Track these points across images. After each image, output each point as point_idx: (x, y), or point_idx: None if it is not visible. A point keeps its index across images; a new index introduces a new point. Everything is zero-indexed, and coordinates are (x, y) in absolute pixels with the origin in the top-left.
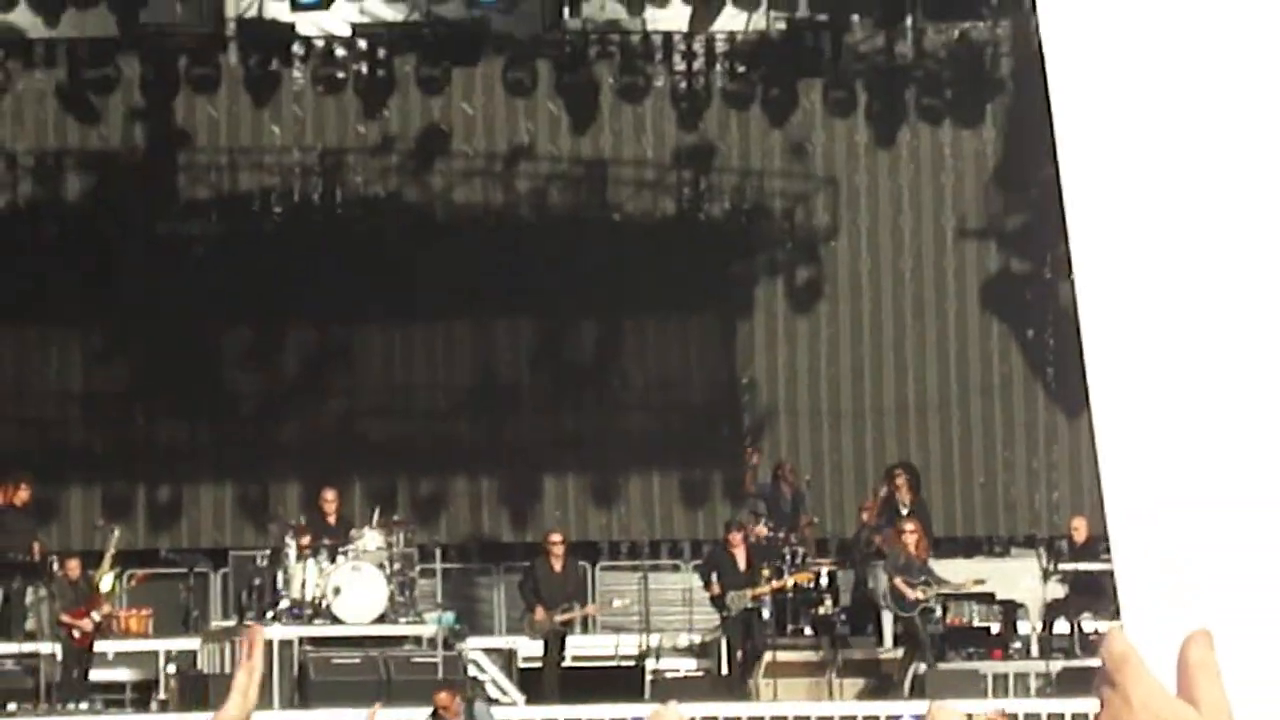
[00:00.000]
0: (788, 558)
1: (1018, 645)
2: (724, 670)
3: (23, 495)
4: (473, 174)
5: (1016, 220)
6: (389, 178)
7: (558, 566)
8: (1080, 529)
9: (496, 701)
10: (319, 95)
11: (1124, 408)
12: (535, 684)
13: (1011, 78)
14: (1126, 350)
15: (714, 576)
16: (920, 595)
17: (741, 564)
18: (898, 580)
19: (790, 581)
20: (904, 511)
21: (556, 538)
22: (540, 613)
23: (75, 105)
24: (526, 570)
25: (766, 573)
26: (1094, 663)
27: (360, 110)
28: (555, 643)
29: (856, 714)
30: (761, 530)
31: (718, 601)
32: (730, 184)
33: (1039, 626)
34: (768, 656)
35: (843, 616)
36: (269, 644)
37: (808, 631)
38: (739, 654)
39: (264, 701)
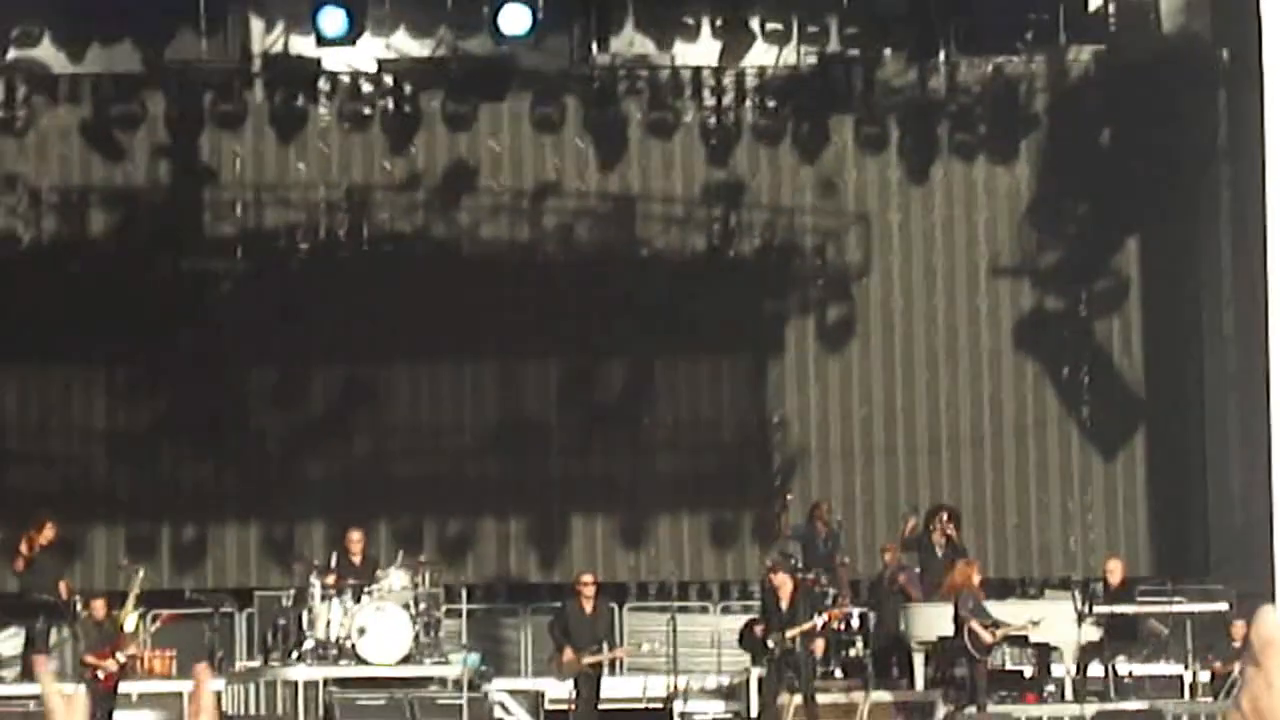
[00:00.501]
0: (821, 599)
1: (1051, 688)
2: (752, 713)
3: (48, 535)
4: (500, 210)
5: (1051, 258)
6: (415, 214)
7: (588, 608)
8: (1115, 571)
9: None
10: (345, 131)
11: None
12: None
13: (1046, 113)
14: None
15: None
16: (993, 638)
17: (785, 604)
18: (973, 623)
19: (819, 622)
20: (938, 553)
21: (587, 578)
22: (569, 654)
23: (100, 141)
24: (557, 611)
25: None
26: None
27: (387, 146)
28: (587, 685)
29: None
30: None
31: (758, 644)
32: (761, 221)
33: (1073, 670)
34: (796, 699)
35: (874, 658)
36: (294, 685)
37: (838, 674)
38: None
39: None
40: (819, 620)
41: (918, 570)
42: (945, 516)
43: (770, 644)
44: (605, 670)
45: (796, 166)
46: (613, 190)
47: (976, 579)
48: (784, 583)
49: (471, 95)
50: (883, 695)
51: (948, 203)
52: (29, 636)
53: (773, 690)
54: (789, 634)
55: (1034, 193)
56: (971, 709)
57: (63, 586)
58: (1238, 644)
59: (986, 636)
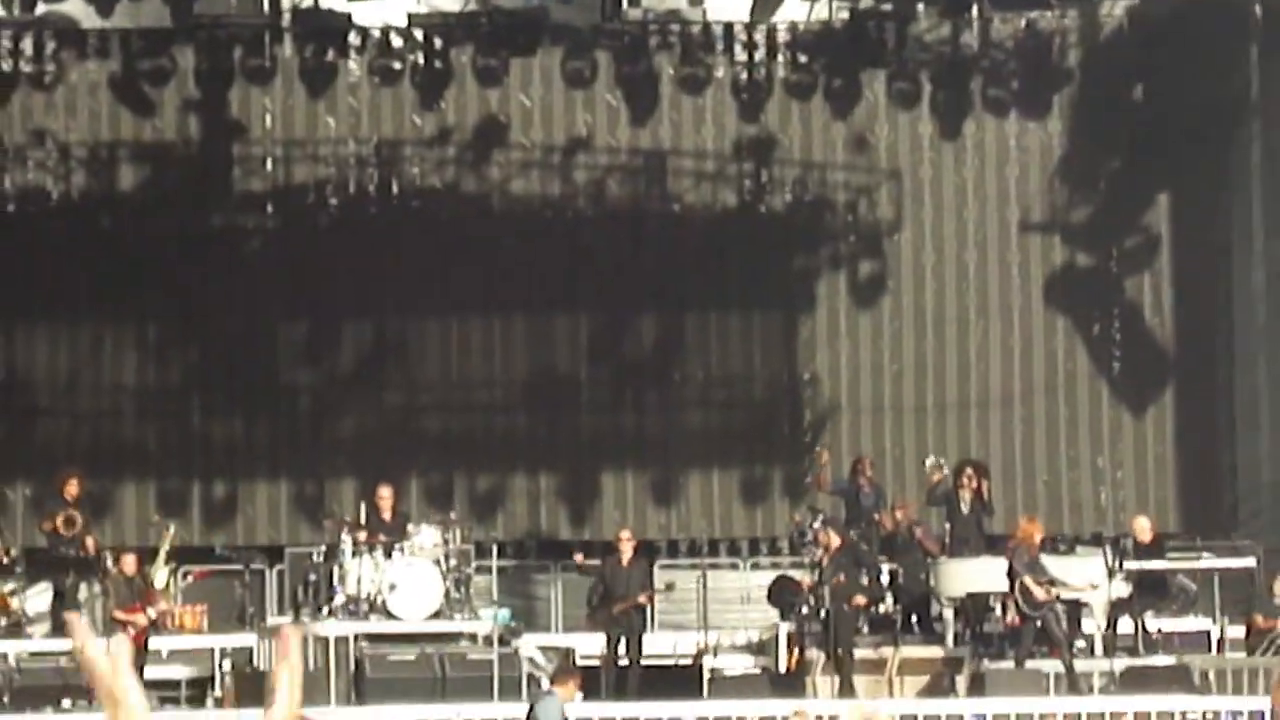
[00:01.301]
0: (867, 556)
1: (1081, 644)
2: (781, 668)
3: (72, 490)
4: (530, 166)
5: (1082, 213)
6: (446, 170)
7: (625, 563)
8: (1144, 529)
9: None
10: (375, 86)
11: None
12: (594, 682)
13: (1078, 68)
14: None
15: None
16: (1046, 595)
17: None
18: (1027, 579)
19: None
20: (964, 509)
21: (625, 534)
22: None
23: (129, 96)
24: (598, 570)
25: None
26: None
27: (417, 102)
28: (621, 637)
29: (917, 713)
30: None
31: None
32: (792, 176)
33: (1103, 625)
34: (822, 655)
35: (904, 614)
36: (325, 640)
37: (866, 630)
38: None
39: (320, 698)
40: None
41: (946, 525)
42: (972, 471)
43: (812, 599)
44: (646, 626)
45: (828, 122)
46: (644, 145)
47: (1038, 537)
48: (830, 540)
49: (502, 50)
50: (911, 651)
51: (979, 159)
52: (58, 592)
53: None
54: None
55: (1065, 149)
56: (1002, 663)
57: (89, 541)
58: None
59: (1040, 593)
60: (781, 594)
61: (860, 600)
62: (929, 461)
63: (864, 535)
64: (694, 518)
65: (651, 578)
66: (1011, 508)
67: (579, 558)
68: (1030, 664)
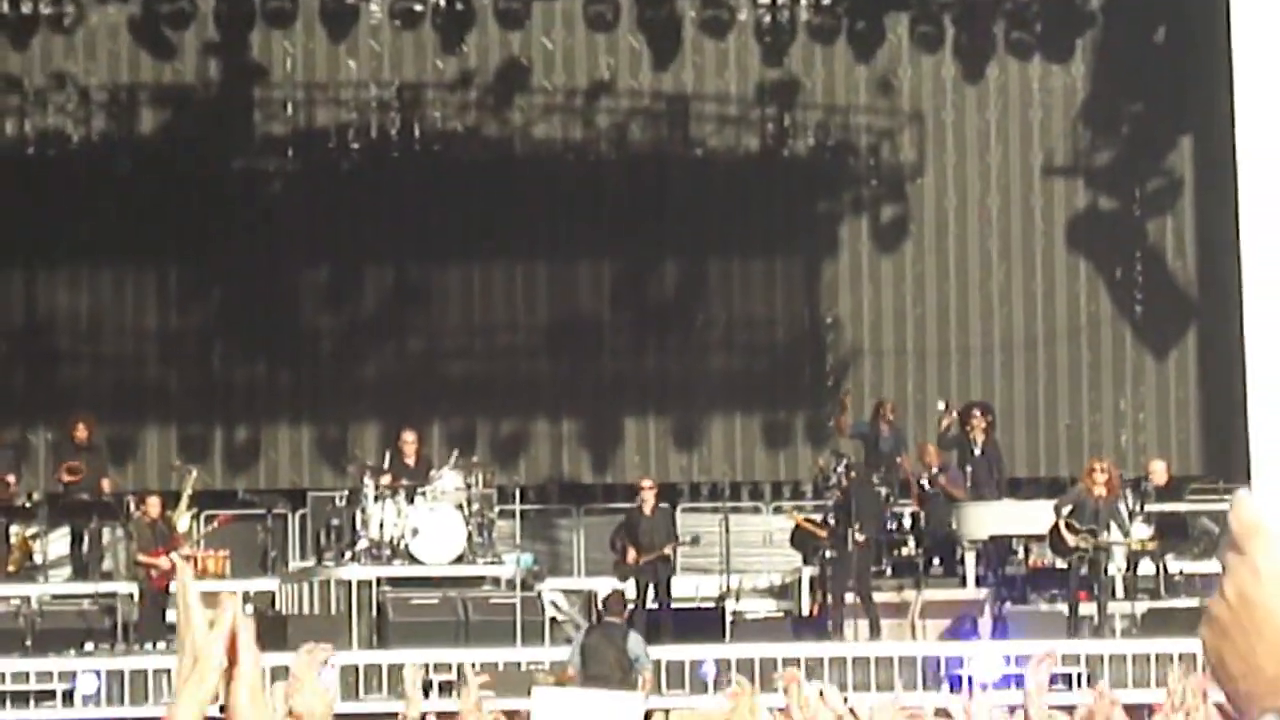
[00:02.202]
0: (882, 499)
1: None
2: (804, 611)
3: (80, 434)
4: (552, 109)
5: (1105, 157)
6: (467, 113)
7: (648, 511)
8: (1158, 471)
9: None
10: (396, 29)
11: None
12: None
13: (1102, 12)
14: None
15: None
16: (1080, 543)
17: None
18: (1061, 524)
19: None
20: (976, 452)
21: (647, 483)
22: (631, 555)
23: (149, 39)
24: (625, 516)
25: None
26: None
27: (438, 45)
28: (660, 585)
29: (939, 654)
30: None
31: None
32: (815, 120)
33: (1124, 568)
34: (849, 598)
35: (926, 558)
36: (348, 584)
37: (889, 572)
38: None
39: (343, 642)
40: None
41: (967, 469)
42: (980, 412)
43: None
44: (673, 570)
45: (851, 65)
46: (666, 89)
47: (1102, 480)
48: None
49: None
50: (934, 593)
51: (1002, 102)
52: (77, 535)
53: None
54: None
55: (1088, 92)
56: (1024, 605)
57: (105, 484)
58: None
59: (1071, 540)
60: (803, 538)
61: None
62: (940, 407)
63: (885, 479)
64: (716, 461)
65: (675, 525)
66: (1034, 450)
67: (631, 554)
68: (1055, 606)
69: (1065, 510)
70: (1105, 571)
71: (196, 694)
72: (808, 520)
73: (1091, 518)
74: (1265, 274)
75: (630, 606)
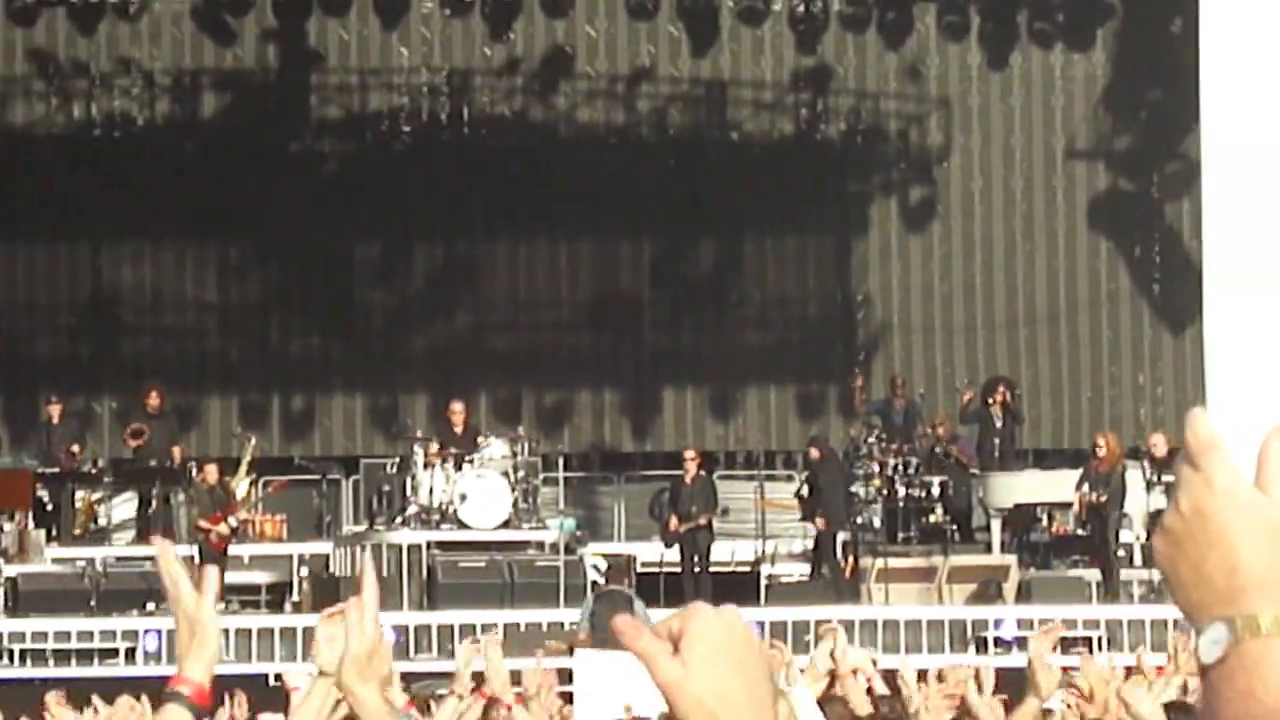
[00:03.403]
0: (899, 469)
1: (1121, 553)
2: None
3: (153, 401)
4: (595, 95)
5: (1124, 141)
6: (514, 98)
7: (689, 479)
8: (1159, 444)
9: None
10: (447, 18)
11: None
12: (653, 588)
13: (1121, 3)
14: None
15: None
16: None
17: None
18: (1078, 494)
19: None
20: (997, 424)
21: (690, 453)
22: (674, 522)
23: (211, 26)
24: (670, 484)
25: (877, 483)
26: None
27: (487, 32)
28: (701, 551)
29: (965, 618)
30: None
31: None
32: (846, 105)
33: (1142, 535)
34: (879, 563)
35: (953, 524)
36: (398, 548)
37: (917, 539)
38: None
39: (393, 603)
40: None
41: (995, 440)
42: (1002, 387)
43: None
44: (713, 536)
45: (881, 53)
46: (704, 76)
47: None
48: (820, 456)
49: None
50: (960, 559)
51: (1026, 88)
52: (143, 500)
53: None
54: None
55: (1109, 79)
56: (1047, 571)
57: (176, 452)
58: None
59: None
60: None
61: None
62: (962, 384)
63: (907, 451)
64: (751, 431)
65: (715, 494)
66: (1057, 422)
67: (674, 522)
68: (1073, 572)
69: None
70: (1116, 538)
71: (203, 656)
72: (778, 500)
73: (1100, 486)
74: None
75: (666, 570)
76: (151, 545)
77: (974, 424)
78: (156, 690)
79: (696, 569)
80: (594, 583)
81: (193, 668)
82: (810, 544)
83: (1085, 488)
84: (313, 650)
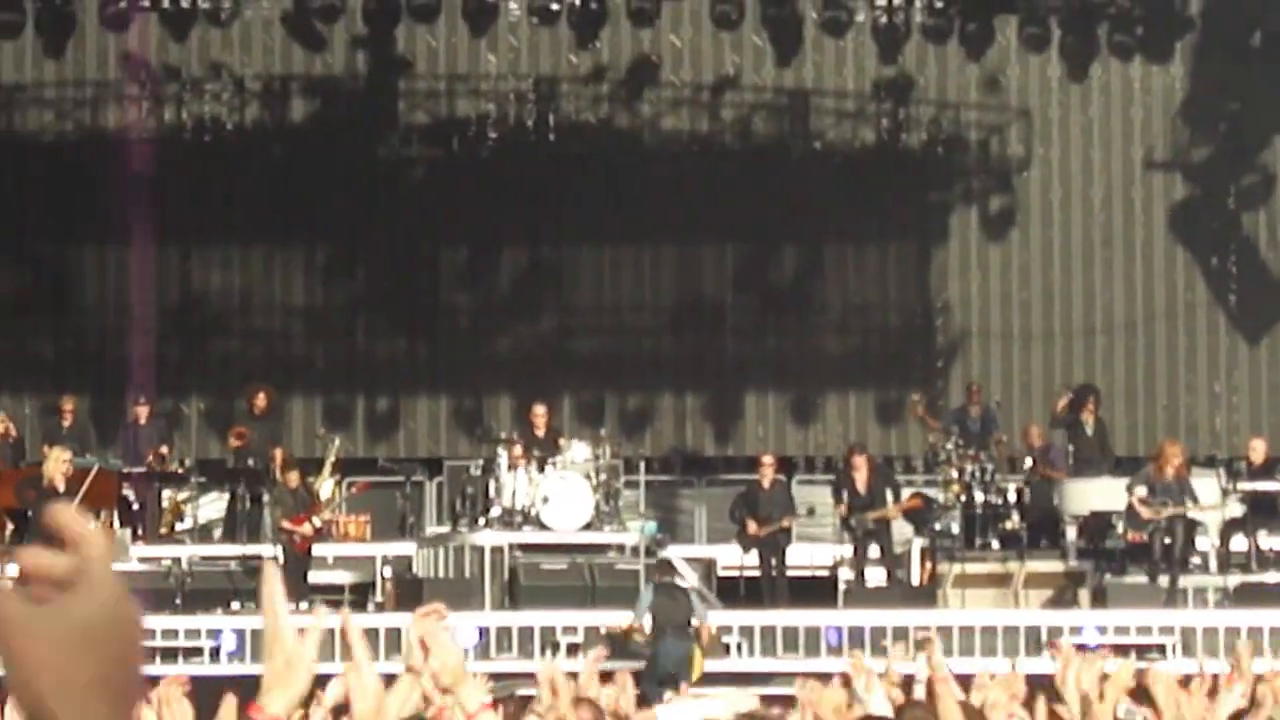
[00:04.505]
0: (977, 475)
1: (1196, 561)
2: (914, 580)
3: (260, 403)
4: (680, 103)
5: (1202, 153)
6: (600, 106)
7: (766, 484)
8: (1258, 450)
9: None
10: (534, 26)
11: None
12: (734, 591)
13: (1200, 16)
14: None
15: (842, 497)
16: (1153, 515)
17: (861, 487)
18: (1134, 499)
19: (898, 511)
20: (1088, 432)
21: (767, 459)
22: (751, 526)
23: (301, 32)
24: (745, 489)
25: (956, 489)
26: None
27: (573, 41)
28: (780, 555)
29: (1041, 624)
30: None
31: (844, 522)
32: (928, 115)
33: (1217, 543)
34: (956, 569)
35: (1030, 531)
36: (481, 550)
37: (995, 545)
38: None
39: (475, 603)
40: (901, 507)
41: (1070, 447)
42: (1093, 396)
43: (852, 524)
44: (790, 540)
45: (962, 64)
46: (788, 85)
47: (1173, 461)
48: (860, 465)
49: None
50: (1036, 565)
51: (1105, 100)
52: (236, 500)
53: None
54: (870, 516)
55: (1187, 91)
56: (1124, 578)
57: (277, 454)
58: None
59: (1145, 513)
60: (916, 510)
61: (880, 515)
62: (1059, 389)
63: (986, 459)
64: (830, 436)
65: (791, 498)
66: (1133, 429)
67: (751, 526)
68: (1147, 579)
69: (1138, 489)
70: (1192, 544)
71: (289, 692)
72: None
73: (1164, 495)
74: None
75: (747, 574)
76: (236, 544)
77: (1062, 429)
78: (236, 688)
79: (774, 573)
80: (659, 565)
81: (277, 702)
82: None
83: (1142, 491)
84: (402, 649)
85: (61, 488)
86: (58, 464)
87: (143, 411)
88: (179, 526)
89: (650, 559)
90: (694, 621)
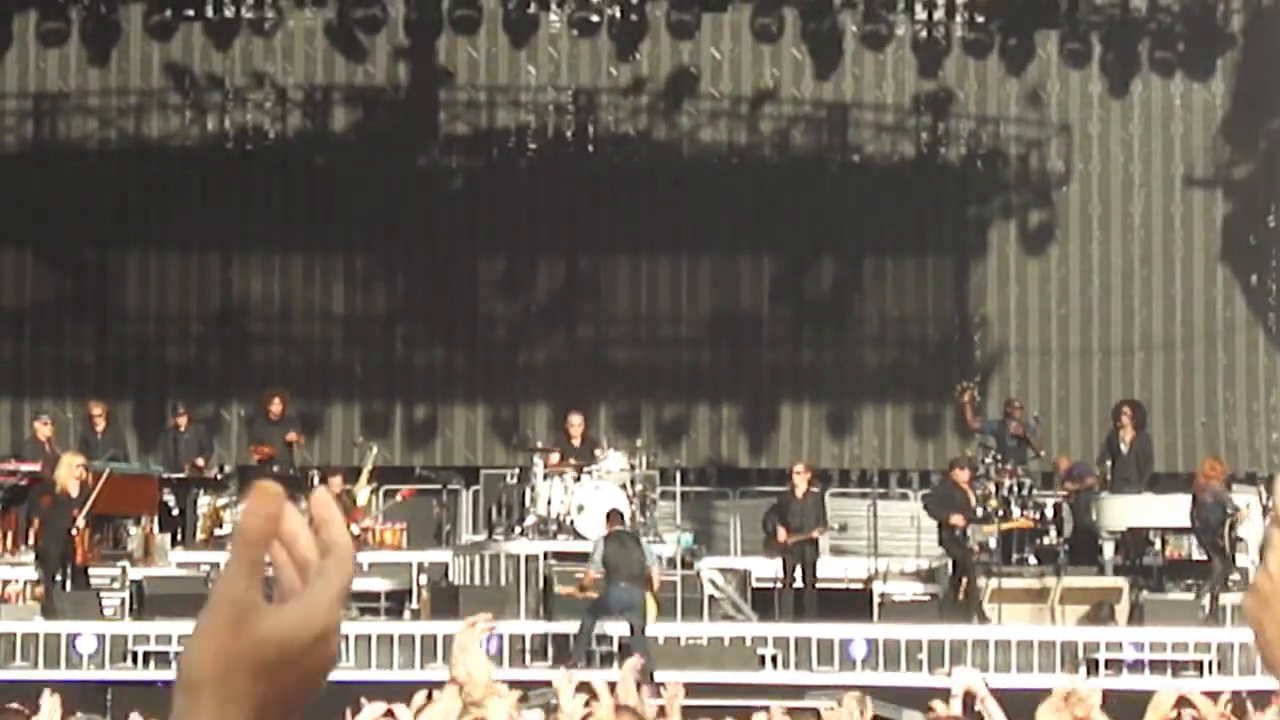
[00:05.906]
0: (1014, 491)
1: (1235, 578)
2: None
3: (275, 408)
4: (719, 115)
5: (1243, 170)
6: (639, 118)
7: (799, 494)
8: None
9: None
10: (574, 38)
11: None
12: (768, 603)
13: (1241, 33)
14: None
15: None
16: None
17: (972, 499)
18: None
19: (1018, 525)
20: (1124, 449)
21: (800, 468)
22: (781, 535)
23: (343, 43)
24: (777, 498)
25: (994, 504)
26: None
27: (613, 53)
28: (796, 563)
29: (1077, 639)
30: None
31: (958, 534)
32: (967, 129)
33: (1258, 560)
34: (993, 583)
35: (1066, 547)
36: (517, 558)
37: (1032, 560)
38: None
39: (509, 612)
40: (1019, 522)
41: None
42: (1130, 410)
43: (969, 534)
44: (820, 552)
45: (1003, 79)
46: (827, 98)
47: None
48: (963, 478)
49: (695, 5)
50: (1073, 581)
51: (1145, 116)
52: None
53: (961, 577)
54: (987, 529)
55: (1228, 109)
56: (1160, 594)
57: (292, 436)
58: None
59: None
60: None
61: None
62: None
63: (1024, 473)
64: (866, 450)
65: (824, 510)
66: (1171, 446)
67: (781, 534)
68: (1187, 595)
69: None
70: (1233, 561)
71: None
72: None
73: (1205, 511)
74: None
75: (779, 585)
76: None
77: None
78: None
79: (801, 583)
80: (608, 515)
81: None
82: (922, 564)
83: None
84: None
85: (75, 493)
86: (70, 469)
87: (182, 420)
88: (218, 532)
89: (687, 570)
90: (647, 567)
